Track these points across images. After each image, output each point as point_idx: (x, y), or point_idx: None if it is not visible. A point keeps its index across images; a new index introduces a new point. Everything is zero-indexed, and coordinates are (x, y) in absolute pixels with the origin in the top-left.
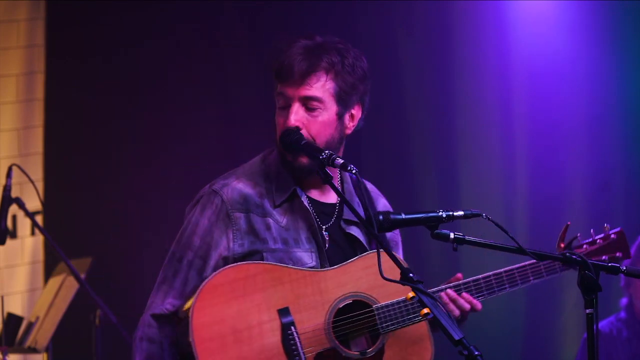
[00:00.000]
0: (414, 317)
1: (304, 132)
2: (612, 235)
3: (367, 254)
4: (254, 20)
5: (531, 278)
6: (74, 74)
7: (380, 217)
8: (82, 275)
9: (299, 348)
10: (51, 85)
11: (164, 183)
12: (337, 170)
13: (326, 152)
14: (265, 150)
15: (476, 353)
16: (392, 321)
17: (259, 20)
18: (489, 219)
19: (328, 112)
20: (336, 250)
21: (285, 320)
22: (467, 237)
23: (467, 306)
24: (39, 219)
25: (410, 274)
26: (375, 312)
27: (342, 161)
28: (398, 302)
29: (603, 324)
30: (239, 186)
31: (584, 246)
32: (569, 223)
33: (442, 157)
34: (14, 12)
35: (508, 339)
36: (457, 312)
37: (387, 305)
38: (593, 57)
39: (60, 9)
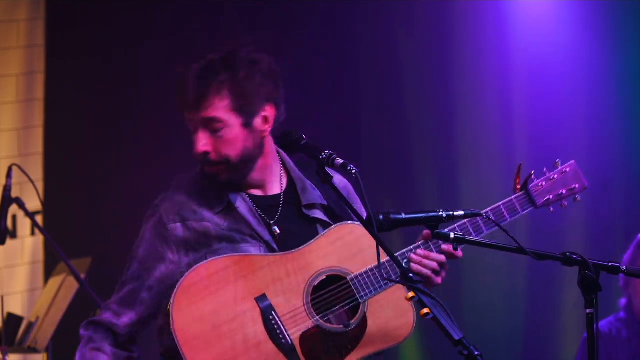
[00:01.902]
0: (388, 280)
1: (213, 155)
2: (566, 169)
3: (330, 229)
4: (254, 20)
5: (493, 219)
6: (74, 74)
7: (381, 216)
8: (82, 275)
9: (283, 330)
10: (51, 85)
11: (164, 183)
12: (278, 159)
13: (326, 152)
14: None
15: (476, 353)
16: (368, 288)
17: (259, 20)
18: (489, 218)
19: (232, 128)
20: (292, 238)
21: (263, 305)
22: (467, 237)
23: (443, 257)
24: (39, 219)
25: (410, 274)
26: (351, 283)
27: (342, 161)
28: (371, 269)
29: (602, 324)
30: (175, 197)
31: (540, 183)
32: (521, 163)
33: (442, 157)
34: (14, 12)
35: (508, 339)
36: (434, 265)
37: (360, 275)
38: (593, 57)
39: (60, 9)
